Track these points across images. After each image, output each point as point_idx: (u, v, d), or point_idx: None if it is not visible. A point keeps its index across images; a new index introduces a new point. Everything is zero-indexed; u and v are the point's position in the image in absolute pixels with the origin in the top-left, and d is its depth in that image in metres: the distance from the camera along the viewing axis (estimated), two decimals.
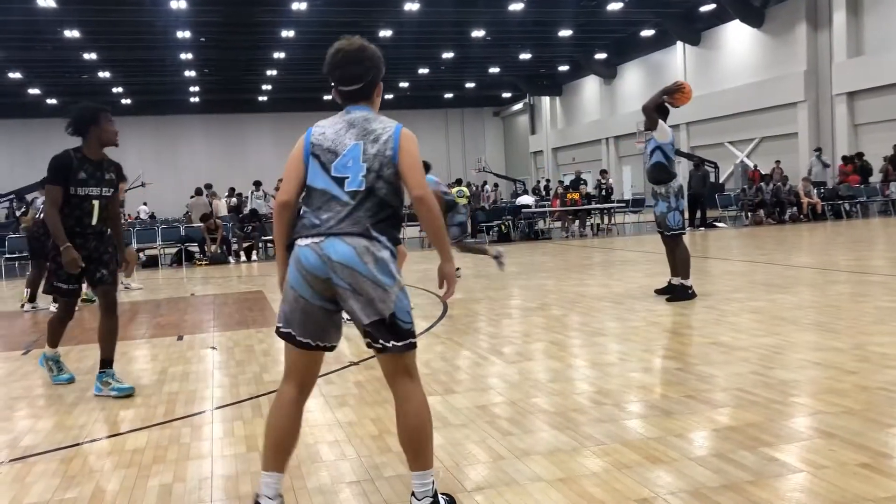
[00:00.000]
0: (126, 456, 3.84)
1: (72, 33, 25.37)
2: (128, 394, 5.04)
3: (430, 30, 27.61)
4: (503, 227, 19.37)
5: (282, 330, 2.88)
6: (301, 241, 2.80)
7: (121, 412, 4.68)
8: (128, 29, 26.11)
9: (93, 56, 29.15)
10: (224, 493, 3.29)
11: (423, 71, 35.88)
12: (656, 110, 7.96)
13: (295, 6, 23.41)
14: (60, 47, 27.44)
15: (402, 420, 2.98)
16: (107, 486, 3.42)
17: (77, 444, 4.08)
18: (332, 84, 3.06)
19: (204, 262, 16.36)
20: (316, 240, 2.76)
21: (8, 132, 36.95)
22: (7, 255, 15.27)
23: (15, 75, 31.65)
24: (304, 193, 2.95)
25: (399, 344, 2.87)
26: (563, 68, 38.65)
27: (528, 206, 20.24)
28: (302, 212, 2.92)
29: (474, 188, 28.00)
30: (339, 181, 2.84)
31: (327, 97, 40.72)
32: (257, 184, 20.69)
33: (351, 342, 6.62)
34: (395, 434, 3.89)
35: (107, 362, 5.15)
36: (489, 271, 12.43)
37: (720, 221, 21.38)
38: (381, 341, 2.84)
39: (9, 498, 3.35)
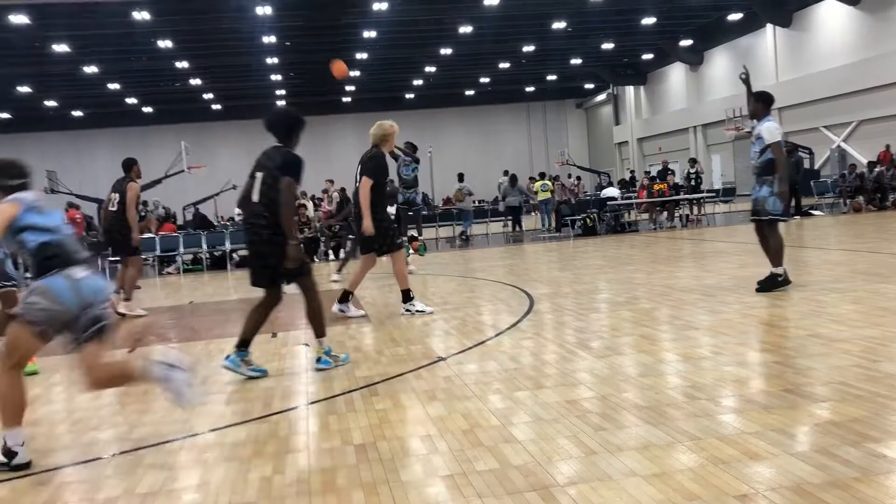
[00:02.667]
0: (227, 449, 3.99)
1: (165, 43, 26.39)
2: (261, 375, 5.56)
3: (510, 24, 27.50)
4: (588, 220, 19.13)
5: None
6: None
7: (221, 407, 4.86)
8: (216, 37, 26.99)
9: (185, 64, 30.25)
10: (322, 485, 3.38)
11: (504, 65, 35.77)
12: (760, 100, 7.79)
13: (376, 6, 23.71)
14: (155, 57, 28.58)
15: None
16: (211, 478, 3.57)
17: (183, 438, 4.26)
18: None
19: None
20: None
21: (110, 140, 38.70)
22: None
23: (114, 86, 33.15)
24: None
25: None
26: (647, 56, 37.87)
27: (613, 199, 19.93)
28: None
29: (559, 182, 27.75)
30: None
31: (409, 96, 41.13)
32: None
33: (438, 338, 6.69)
34: (486, 428, 3.93)
35: (245, 342, 5.60)
36: (575, 265, 12.32)
37: (816, 209, 20.55)
38: None
39: (122, 488, 3.53)
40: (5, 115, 37.60)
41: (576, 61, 36.84)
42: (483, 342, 6.35)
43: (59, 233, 3.98)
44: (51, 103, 35.89)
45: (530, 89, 43.02)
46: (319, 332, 5.75)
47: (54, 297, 3.76)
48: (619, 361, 5.27)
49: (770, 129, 7.63)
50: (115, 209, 9.75)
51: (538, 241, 19.06)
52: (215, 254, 17.68)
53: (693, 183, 21.31)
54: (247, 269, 5.85)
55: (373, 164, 7.78)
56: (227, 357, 5.64)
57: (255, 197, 5.50)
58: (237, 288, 13.21)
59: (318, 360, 5.72)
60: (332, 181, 20.87)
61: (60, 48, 25.59)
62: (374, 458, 3.65)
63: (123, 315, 9.25)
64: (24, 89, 32.08)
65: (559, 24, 28.23)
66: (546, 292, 9.03)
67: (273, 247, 5.41)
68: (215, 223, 24.32)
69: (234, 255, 17.57)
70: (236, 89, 36.96)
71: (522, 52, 32.85)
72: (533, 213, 27.42)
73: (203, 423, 4.50)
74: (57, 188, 27.78)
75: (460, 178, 22.87)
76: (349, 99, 41.17)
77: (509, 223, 23.13)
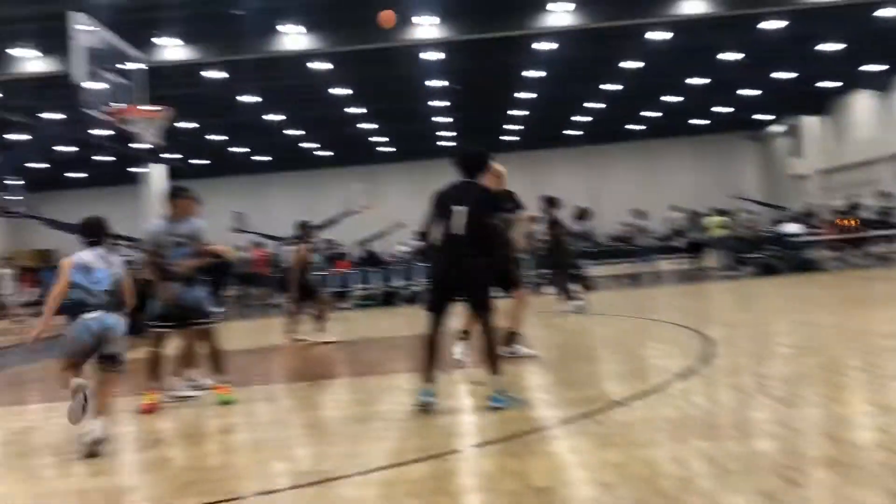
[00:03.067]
0: (410, 486, 4.09)
1: (342, 91, 27.94)
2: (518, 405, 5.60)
3: (679, 57, 26.83)
4: (767, 258, 18.13)
5: None
6: None
7: (400, 443, 5.00)
8: (389, 83, 28.22)
9: (360, 110, 31.83)
10: None
11: (672, 99, 34.89)
12: None
13: (543, 46, 23.95)
14: (331, 104, 30.28)
15: None
16: None
17: (366, 472, 4.42)
18: None
19: None
20: None
21: (291, 184, 41.31)
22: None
23: (296, 132, 35.41)
24: None
25: None
26: (830, 84, 35.61)
27: (795, 235, 18.78)
28: None
29: (734, 218, 26.53)
30: None
31: (574, 132, 41.01)
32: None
33: (613, 382, 6.55)
34: (669, 477, 3.79)
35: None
36: (754, 305, 11.71)
37: None
38: None
39: None
40: (202, 161, 41.09)
41: (749, 92, 35.30)
42: (659, 387, 6.16)
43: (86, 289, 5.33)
44: (239, 149, 38.82)
45: (699, 122, 41.64)
46: (494, 370, 5.79)
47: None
48: (808, 412, 4.95)
49: None
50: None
51: (714, 279, 18.31)
52: (387, 290, 18.31)
53: (884, 218, 19.73)
54: (439, 297, 5.92)
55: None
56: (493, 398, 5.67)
57: (461, 230, 5.67)
58: (408, 324, 13.58)
59: (493, 398, 5.72)
60: None
61: (249, 99, 27.73)
62: (555, 502, 3.62)
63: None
64: (217, 137, 34.96)
65: (732, 56, 27.22)
66: (724, 335, 8.63)
67: (482, 273, 5.73)
68: (385, 260, 25.22)
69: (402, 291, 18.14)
70: (406, 131, 38.36)
71: (691, 84, 31.94)
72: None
73: (384, 459, 4.64)
74: (244, 228, 29.84)
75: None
76: (516, 138, 41.62)
77: (686, 260, 22.36)
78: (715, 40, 25.57)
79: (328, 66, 24.09)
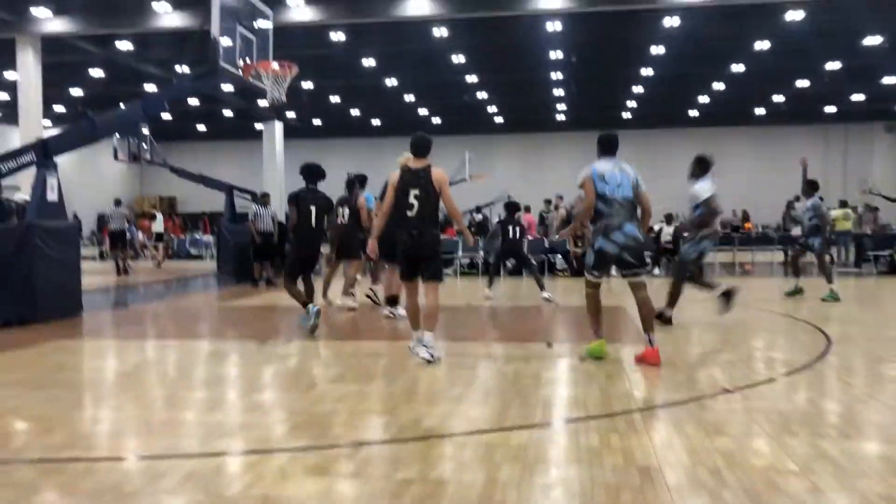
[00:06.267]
0: (512, 450, 4.10)
1: (458, 58, 27.90)
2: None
3: (813, 39, 25.39)
4: (894, 256, 17.12)
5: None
6: None
7: (502, 410, 5.00)
8: (506, 52, 27.99)
9: (473, 79, 31.74)
10: (606, 501, 3.35)
11: (803, 84, 33.13)
12: None
13: (667, 22, 23.14)
14: (447, 71, 30.31)
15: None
16: (497, 476, 3.69)
17: (468, 433, 4.45)
18: None
19: (566, 274, 16.91)
20: None
21: (403, 147, 41.84)
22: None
23: (409, 98, 35.70)
24: None
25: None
26: None
27: None
28: None
29: (859, 211, 25.12)
30: None
31: (693, 113, 39.63)
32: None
33: (721, 367, 6.35)
34: (783, 472, 3.65)
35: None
36: (880, 305, 11.08)
37: None
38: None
39: (415, 471, 3.76)
40: (318, 122, 42.08)
41: (890, 79, 33.12)
42: (773, 379, 5.93)
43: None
44: (355, 112, 39.50)
45: (830, 109, 39.43)
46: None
47: None
48: None
49: None
50: (345, 221, 10.65)
51: (836, 275, 17.44)
52: (489, 259, 18.30)
53: None
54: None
55: None
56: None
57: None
58: (513, 294, 13.58)
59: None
60: (560, 197, 22.56)
61: (368, 62, 28.10)
62: (659, 482, 3.55)
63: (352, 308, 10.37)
64: (335, 99, 35.66)
65: (874, 40, 25.57)
66: (846, 332, 8.22)
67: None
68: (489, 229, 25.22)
69: (508, 262, 18.09)
70: (518, 103, 38.04)
71: (825, 69, 30.23)
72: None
73: (486, 422, 4.67)
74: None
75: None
76: (630, 115, 40.61)
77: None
78: (856, 22, 24.07)
79: (446, 32, 24.09)
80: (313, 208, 8.41)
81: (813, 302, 11.08)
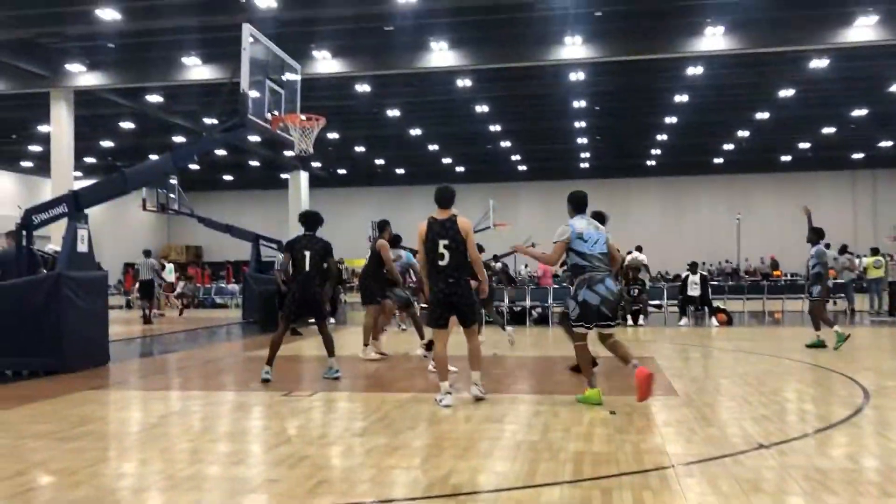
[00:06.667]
0: None
1: (481, 108, 28.19)
2: None
3: (839, 86, 25.39)
4: None
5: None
6: None
7: (531, 466, 4.89)
8: (529, 102, 28.26)
9: (497, 128, 32.02)
10: None
11: (829, 131, 33.03)
12: None
13: (690, 71, 23.27)
14: (470, 120, 30.62)
15: None
16: None
17: (496, 491, 4.36)
18: None
19: None
20: None
21: (424, 196, 42.04)
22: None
23: (433, 147, 36.04)
24: None
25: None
26: None
27: None
28: None
29: (888, 259, 24.74)
30: None
31: (717, 161, 39.54)
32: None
33: (754, 421, 6.19)
34: None
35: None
36: None
37: None
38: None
39: None
40: (343, 171, 42.55)
41: None
42: (808, 434, 5.77)
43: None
44: (379, 161, 39.93)
45: (858, 156, 39.22)
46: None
47: None
48: None
49: None
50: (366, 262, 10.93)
51: (867, 324, 17.13)
52: (515, 309, 18.21)
53: None
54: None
55: None
56: None
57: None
58: (538, 344, 13.46)
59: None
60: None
61: (392, 112, 28.48)
62: None
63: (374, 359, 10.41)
64: (359, 148, 36.10)
65: None
66: (883, 385, 8.01)
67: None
68: (516, 278, 25.16)
69: (534, 311, 18.00)
70: (541, 151, 38.26)
71: (851, 116, 30.15)
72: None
73: (518, 479, 4.57)
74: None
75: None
76: (653, 163, 40.64)
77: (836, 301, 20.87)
78: (881, 70, 24.05)
79: (469, 82, 24.37)
80: (307, 253, 8.60)
81: (845, 352, 10.84)
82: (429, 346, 9.68)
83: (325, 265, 8.71)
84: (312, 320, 9.87)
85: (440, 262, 6.95)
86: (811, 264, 11.82)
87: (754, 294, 21.82)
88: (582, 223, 7.03)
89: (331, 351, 8.85)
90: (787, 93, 26.13)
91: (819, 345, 11.25)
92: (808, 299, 12.06)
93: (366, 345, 10.71)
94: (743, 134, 33.86)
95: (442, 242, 6.94)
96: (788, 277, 33.27)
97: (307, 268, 8.57)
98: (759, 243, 40.19)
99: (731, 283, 24.65)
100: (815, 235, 11.80)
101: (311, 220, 8.94)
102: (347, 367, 9.51)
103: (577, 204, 7.18)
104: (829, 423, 6.11)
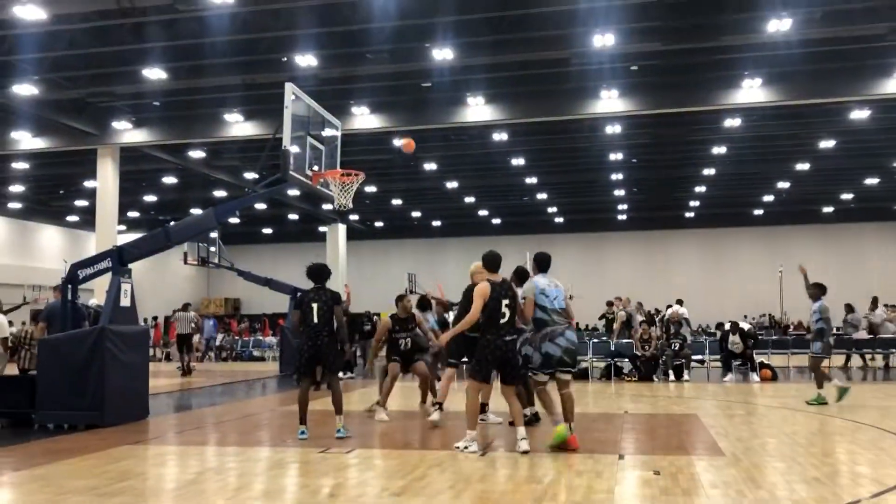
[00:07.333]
0: None
1: (518, 161, 28.32)
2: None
3: (881, 136, 25.06)
4: None
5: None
6: None
7: None
8: (565, 155, 28.31)
9: (533, 180, 32.09)
10: None
11: (871, 181, 32.52)
12: None
13: (728, 123, 23.17)
14: (507, 173, 30.74)
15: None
16: None
17: None
18: None
19: (633, 379, 16.46)
20: None
21: (460, 248, 42.06)
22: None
23: (469, 199, 36.21)
24: None
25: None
26: None
27: None
28: None
29: None
30: None
31: (757, 212, 39.09)
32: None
33: (806, 484, 5.96)
34: None
35: None
36: None
37: None
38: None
39: None
40: (380, 223, 42.90)
41: None
42: (863, 499, 5.54)
43: None
44: (416, 213, 40.17)
45: None
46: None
47: None
48: None
49: None
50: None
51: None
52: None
53: None
54: None
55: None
56: None
57: None
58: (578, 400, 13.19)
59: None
60: (628, 299, 22.27)
61: (429, 165, 28.74)
62: None
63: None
64: (396, 202, 36.40)
65: None
66: None
67: None
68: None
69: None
70: (578, 204, 38.19)
71: (894, 166, 29.69)
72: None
73: None
74: (415, 290, 30.68)
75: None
76: (692, 214, 40.30)
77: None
78: None
79: (506, 136, 24.54)
80: (315, 305, 8.56)
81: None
82: (440, 405, 9.46)
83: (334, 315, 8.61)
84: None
85: (501, 321, 7.42)
86: (813, 320, 11.85)
87: (799, 348, 21.27)
88: (544, 281, 7.78)
89: (338, 408, 8.64)
90: (827, 143, 25.83)
91: (821, 401, 11.07)
92: (810, 355, 11.91)
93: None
94: (783, 185, 33.47)
95: (504, 302, 7.43)
96: (835, 332, 32.51)
97: (315, 320, 8.51)
98: (801, 295, 39.36)
99: (774, 337, 24.05)
100: (818, 290, 11.89)
101: (317, 273, 8.90)
102: (389, 423, 9.40)
103: (541, 263, 7.99)
104: (885, 487, 5.86)
